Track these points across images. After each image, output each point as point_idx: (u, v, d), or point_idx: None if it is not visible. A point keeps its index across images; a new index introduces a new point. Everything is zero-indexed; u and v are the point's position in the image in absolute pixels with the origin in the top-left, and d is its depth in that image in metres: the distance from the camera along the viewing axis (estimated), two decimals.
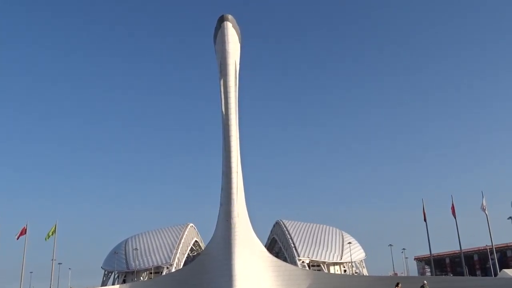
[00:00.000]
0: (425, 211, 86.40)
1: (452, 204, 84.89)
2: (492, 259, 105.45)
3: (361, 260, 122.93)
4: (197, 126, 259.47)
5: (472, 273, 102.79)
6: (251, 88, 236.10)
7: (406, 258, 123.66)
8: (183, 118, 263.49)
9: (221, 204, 75.13)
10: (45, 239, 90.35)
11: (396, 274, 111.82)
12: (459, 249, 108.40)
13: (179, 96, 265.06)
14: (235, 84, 68.46)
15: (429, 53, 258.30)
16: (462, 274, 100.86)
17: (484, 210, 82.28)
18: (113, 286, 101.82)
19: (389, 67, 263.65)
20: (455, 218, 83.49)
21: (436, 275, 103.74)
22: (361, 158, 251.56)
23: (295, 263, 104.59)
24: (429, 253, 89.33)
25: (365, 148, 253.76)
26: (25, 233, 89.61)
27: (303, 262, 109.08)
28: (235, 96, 68.71)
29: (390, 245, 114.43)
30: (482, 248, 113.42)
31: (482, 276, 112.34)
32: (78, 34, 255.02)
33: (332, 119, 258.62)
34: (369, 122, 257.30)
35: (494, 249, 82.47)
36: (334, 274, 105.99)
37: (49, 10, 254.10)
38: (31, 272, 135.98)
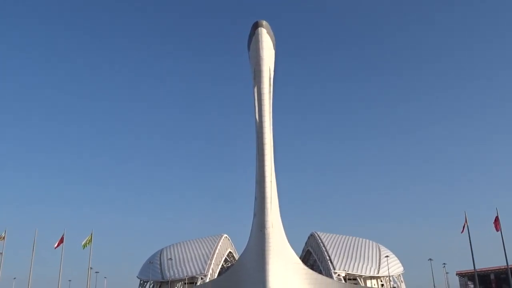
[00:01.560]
0: (467, 223, 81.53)
1: (497, 216, 79.58)
2: None
3: (399, 275, 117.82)
4: (232, 137, 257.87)
5: None
6: (286, 97, 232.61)
7: (447, 273, 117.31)
8: (217, 130, 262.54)
9: (254, 214, 72.68)
10: (83, 247, 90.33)
11: None
12: (504, 264, 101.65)
13: (213, 108, 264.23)
14: (270, 91, 66.51)
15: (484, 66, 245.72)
16: None
17: None
18: None
19: (435, 81, 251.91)
20: (499, 230, 78.48)
21: None
22: (400, 173, 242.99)
23: (330, 276, 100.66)
24: (471, 268, 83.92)
25: (404, 164, 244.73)
26: (63, 242, 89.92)
27: (338, 275, 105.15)
28: (270, 103, 66.66)
29: (430, 259, 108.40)
30: None
31: None
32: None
33: (371, 135, 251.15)
34: (408, 137, 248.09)
35: None
36: None
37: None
38: (69, 280, 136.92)
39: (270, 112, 66.55)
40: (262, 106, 65.73)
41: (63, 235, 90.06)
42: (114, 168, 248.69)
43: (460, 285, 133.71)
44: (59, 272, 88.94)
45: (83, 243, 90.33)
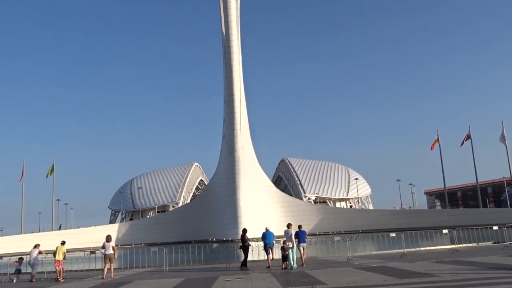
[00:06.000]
0: (439, 141, 76.99)
1: (468, 134, 75.26)
2: (509, 191, 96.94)
3: (367, 196, 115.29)
4: (201, 67, 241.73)
5: (485, 206, 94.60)
6: (254, 26, 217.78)
7: (412, 193, 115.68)
8: (187, 59, 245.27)
9: (223, 137, 65.53)
10: (46, 177, 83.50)
11: (404, 208, 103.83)
12: (470, 182, 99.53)
13: (183, 37, 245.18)
14: (237, 0, 57.36)
15: None
16: (474, 207, 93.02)
17: (504, 140, 72.80)
18: (114, 224, 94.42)
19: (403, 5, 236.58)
20: (462, 145, 75.01)
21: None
22: (369, 97, 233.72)
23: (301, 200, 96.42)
24: (438, 187, 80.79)
25: (373, 87, 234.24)
26: (23, 173, 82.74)
27: (309, 198, 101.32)
28: (237, 13, 57.61)
29: (398, 180, 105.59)
30: (497, 181, 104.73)
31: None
32: None
33: (340, 57, 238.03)
34: (377, 55, 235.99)
35: None
36: (346, 208, 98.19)
37: None
38: (39, 213, 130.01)
39: (237, 24, 57.74)
40: (229, 16, 56.84)
41: (22, 166, 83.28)
42: (77, 98, 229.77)
43: (428, 203, 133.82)
44: (21, 203, 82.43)
45: (46, 173, 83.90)
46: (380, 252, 24.20)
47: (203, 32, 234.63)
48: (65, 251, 20.14)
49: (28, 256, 21.11)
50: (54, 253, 19.93)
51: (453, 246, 23.15)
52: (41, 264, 22.11)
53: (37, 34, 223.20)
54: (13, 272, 21.13)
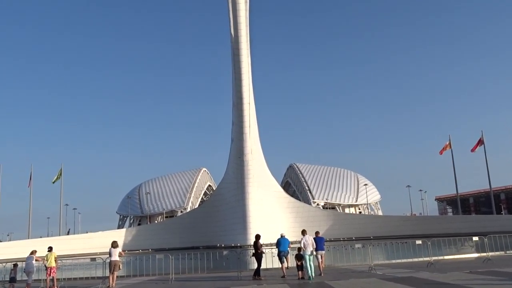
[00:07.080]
0: (451, 147, 74.64)
1: (481, 139, 72.86)
2: None
3: (377, 202, 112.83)
4: (209, 71, 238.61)
5: (498, 212, 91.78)
6: (263, 29, 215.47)
7: (422, 199, 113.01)
8: (195, 63, 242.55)
9: (232, 140, 63.79)
10: (52, 182, 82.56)
11: (414, 214, 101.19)
12: (483, 189, 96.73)
13: (190, 41, 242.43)
14: (246, 1, 55.87)
15: None
16: (487, 213, 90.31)
17: None
18: (121, 229, 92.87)
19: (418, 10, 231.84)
20: (474, 151, 72.66)
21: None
22: (379, 102, 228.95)
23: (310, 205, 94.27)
24: (449, 193, 78.23)
25: (383, 92, 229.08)
26: (31, 178, 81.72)
27: (318, 204, 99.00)
28: (246, 15, 56.11)
29: (408, 186, 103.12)
30: (511, 187, 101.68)
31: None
32: None
33: (350, 61, 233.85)
34: (386, 65, 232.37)
35: None
36: (356, 214, 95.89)
37: None
38: (48, 218, 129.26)
39: (246, 25, 56.20)
40: (238, 17, 55.39)
41: (30, 171, 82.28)
42: (85, 103, 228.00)
43: (439, 209, 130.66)
44: (29, 208, 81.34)
45: (53, 178, 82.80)
46: (403, 260, 22.17)
47: (212, 36, 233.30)
48: (56, 257, 18.70)
49: (24, 263, 19.46)
50: (45, 262, 18.42)
51: (483, 254, 21.17)
52: (38, 271, 20.43)
53: (45, 38, 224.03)
54: (8, 280, 19.44)
